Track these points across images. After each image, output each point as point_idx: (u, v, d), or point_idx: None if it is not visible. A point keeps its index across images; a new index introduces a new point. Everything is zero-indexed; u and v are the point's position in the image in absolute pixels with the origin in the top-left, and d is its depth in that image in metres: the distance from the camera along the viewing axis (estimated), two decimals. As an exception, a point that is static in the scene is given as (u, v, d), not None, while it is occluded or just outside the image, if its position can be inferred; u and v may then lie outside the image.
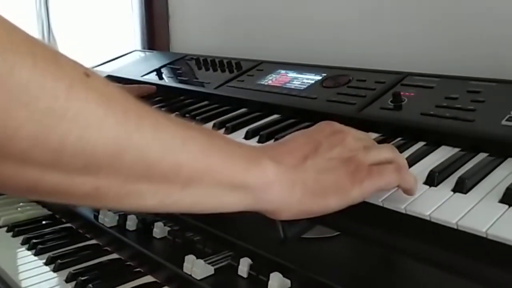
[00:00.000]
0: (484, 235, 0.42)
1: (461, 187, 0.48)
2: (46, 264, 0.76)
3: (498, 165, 0.53)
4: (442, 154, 0.57)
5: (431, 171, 0.51)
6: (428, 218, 0.46)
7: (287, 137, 0.49)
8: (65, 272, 0.72)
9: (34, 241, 0.82)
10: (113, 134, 0.32)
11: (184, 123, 0.38)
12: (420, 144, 0.60)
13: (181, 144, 0.36)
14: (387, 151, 0.48)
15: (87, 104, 0.30)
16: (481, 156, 0.55)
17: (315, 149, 0.45)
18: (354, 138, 0.47)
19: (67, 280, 0.70)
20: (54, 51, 0.31)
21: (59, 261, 0.74)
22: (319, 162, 0.44)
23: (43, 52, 0.30)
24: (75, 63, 0.32)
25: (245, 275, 0.64)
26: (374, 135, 0.65)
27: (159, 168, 0.35)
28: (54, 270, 0.74)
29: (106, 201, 0.35)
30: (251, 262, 0.64)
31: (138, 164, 0.34)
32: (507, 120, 0.57)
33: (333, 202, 0.43)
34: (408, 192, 0.47)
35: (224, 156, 0.39)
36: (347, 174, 0.44)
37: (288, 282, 0.60)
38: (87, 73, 0.31)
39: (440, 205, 0.46)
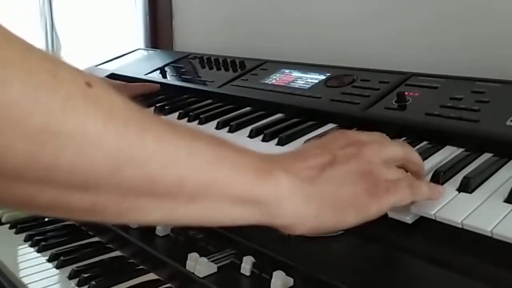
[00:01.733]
0: (489, 234, 0.42)
1: (466, 187, 0.48)
2: (49, 261, 0.75)
3: (503, 165, 0.53)
4: (446, 154, 0.57)
5: (436, 170, 0.51)
6: (433, 218, 0.46)
7: (300, 147, 0.47)
8: (68, 269, 0.72)
9: (37, 238, 0.82)
10: (113, 148, 0.30)
11: (191, 132, 0.36)
12: (425, 144, 0.60)
13: (186, 156, 0.34)
14: (398, 150, 0.47)
15: (85, 118, 0.29)
16: (486, 156, 0.55)
17: (331, 161, 0.43)
18: (370, 149, 0.44)
19: (70, 277, 0.70)
20: (53, 62, 0.29)
21: (62, 258, 0.74)
22: (336, 175, 0.42)
23: (40, 65, 0.28)
24: (75, 73, 0.30)
25: (248, 273, 0.63)
26: (379, 135, 0.65)
27: (162, 182, 0.33)
28: (57, 267, 0.74)
29: (106, 217, 0.34)
30: (254, 261, 0.64)
31: (140, 179, 0.32)
32: (511, 120, 0.57)
33: (351, 218, 0.42)
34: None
35: (233, 168, 0.37)
36: (365, 189, 0.42)
37: (291, 280, 0.60)
38: (89, 83, 0.30)
39: (445, 205, 0.46)
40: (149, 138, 0.32)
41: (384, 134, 0.51)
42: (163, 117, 0.37)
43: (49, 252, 0.77)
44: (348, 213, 0.41)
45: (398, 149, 0.47)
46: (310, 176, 0.41)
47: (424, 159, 0.56)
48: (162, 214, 0.35)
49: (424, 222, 0.46)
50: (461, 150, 0.58)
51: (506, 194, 0.46)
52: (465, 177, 0.49)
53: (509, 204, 0.45)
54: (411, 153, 0.48)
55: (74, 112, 0.28)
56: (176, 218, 0.36)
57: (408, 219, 0.47)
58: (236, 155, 0.38)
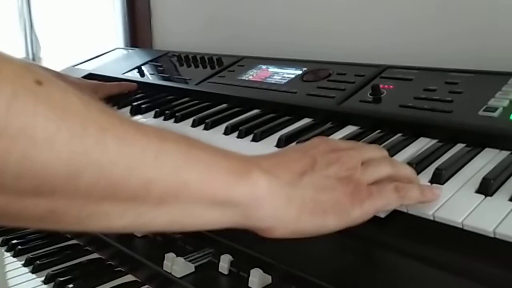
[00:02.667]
0: (460, 226, 0.42)
1: (438, 178, 0.48)
2: (24, 265, 0.74)
3: (475, 155, 0.53)
4: (420, 146, 0.57)
5: (408, 163, 0.51)
6: (405, 210, 0.45)
7: (279, 150, 0.45)
8: (44, 273, 0.71)
9: (13, 242, 0.81)
10: (68, 151, 0.28)
11: (159, 132, 0.34)
12: (398, 136, 0.60)
13: (152, 158, 0.32)
14: (385, 167, 0.45)
15: (33, 118, 0.26)
16: (459, 147, 0.55)
17: (312, 165, 0.41)
18: (350, 156, 0.44)
19: (46, 281, 0.69)
20: None
21: (38, 262, 0.73)
22: (317, 180, 0.41)
23: None
24: (23, 71, 0.28)
25: (226, 272, 0.63)
26: (353, 128, 0.65)
27: (126, 186, 0.31)
28: (33, 271, 0.72)
29: (65, 224, 0.32)
30: (232, 259, 0.63)
31: (100, 183, 0.30)
32: (484, 110, 0.57)
33: (332, 223, 0.40)
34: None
35: (205, 169, 0.35)
36: (346, 194, 0.41)
37: (269, 278, 0.60)
38: (40, 81, 0.28)
39: (417, 197, 0.46)
40: (110, 139, 0.30)
41: (363, 143, 0.50)
42: (130, 117, 0.34)
43: (25, 257, 0.76)
44: (329, 218, 0.40)
45: (378, 152, 0.47)
46: (290, 178, 0.39)
47: (398, 151, 0.56)
48: (129, 220, 0.33)
49: (396, 216, 0.46)
50: (434, 141, 0.57)
51: (477, 185, 0.46)
52: (437, 169, 0.49)
53: (480, 195, 0.45)
54: (398, 169, 0.46)
55: (21, 112, 0.26)
56: (145, 223, 0.34)
57: (382, 214, 0.46)
58: (209, 155, 0.36)
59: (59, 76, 0.91)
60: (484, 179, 0.46)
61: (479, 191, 0.45)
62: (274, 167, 0.40)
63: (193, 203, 0.35)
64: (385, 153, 0.48)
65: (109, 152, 0.30)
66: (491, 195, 0.44)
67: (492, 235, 0.40)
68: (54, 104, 0.28)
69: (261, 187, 0.37)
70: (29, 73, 0.28)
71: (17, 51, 1.73)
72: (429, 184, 0.48)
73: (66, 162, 0.28)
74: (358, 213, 0.41)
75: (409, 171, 0.46)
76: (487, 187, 0.45)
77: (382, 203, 0.42)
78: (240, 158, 0.39)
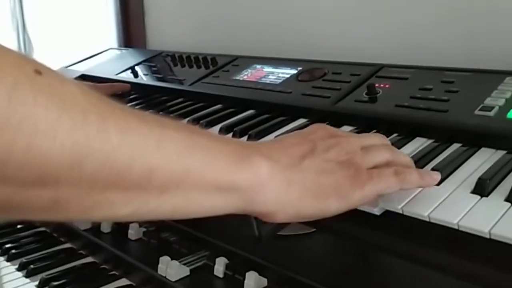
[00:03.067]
0: (456, 227, 0.41)
1: (434, 179, 0.47)
2: (18, 269, 0.74)
3: (471, 155, 0.52)
4: (416, 146, 0.57)
5: (404, 163, 0.50)
6: (400, 212, 0.45)
7: (277, 137, 0.46)
8: (38, 278, 0.70)
9: (7, 246, 0.80)
10: (70, 140, 0.28)
11: (161, 121, 0.34)
12: (395, 136, 0.60)
13: (154, 146, 0.32)
14: (385, 152, 0.45)
15: (34, 108, 0.26)
16: (455, 146, 0.55)
17: (312, 149, 0.42)
18: (349, 141, 0.44)
19: (40, 286, 0.69)
20: None
21: (32, 266, 0.72)
22: (317, 163, 0.41)
23: None
24: (22, 60, 0.28)
25: (221, 275, 0.63)
26: (349, 128, 0.64)
27: (129, 174, 0.31)
28: (27, 276, 0.72)
29: (70, 214, 0.32)
30: (227, 262, 0.63)
31: (103, 172, 0.30)
32: (480, 110, 0.57)
33: (334, 206, 0.41)
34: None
35: (207, 156, 0.35)
36: (347, 177, 0.41)
37: (264, 280, 0.59)
38: (39, 70, 0.28)
39: (413, 198, 0.45)
40: (111, 128, 0.30)
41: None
42: (129, 106, 0.34)
43: (19, 261, 0.75)
44: (331, 201, 0.40)
45: (378, 138, 0.47)
46: (292, 163, 0.40)
47: (394, 151, 0.56)
48: (133, 208, 0.33)
49: (392, 217, 0.45)
50: (430, 141, 0.57)
51: (473, 185, 0.45)
52: (432, 169, 0.48)
53: (476, 195, 0.44)
54: (397, 155, 0.47)
55: (22, 102, 0.26)
56: (149, 211, 0.34)
57: (376, 211, 0.46)
58: (209, 142, 0.37)
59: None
60: (479, 179, 0.45)
61: (474, 191, 0.45)
62: (274, 152, 0.40)
63: (195, 190, 0.35)
64: (385, 140, 0.48)
65: (111, 141, 0.30)
66: (486, 196, 0.44)
67: (487, 236, 0.40)
68: (54, 94, 0.28)
69: (262, 172, 0.37)
70: (28, 63, 0.28)
71: (10, 52, 1.72)
72: (423, 190, 0.47)
73: (69, 151, 0.28)
74: (359, 196, 0.41)
75: (408, 159, 0.47)
76: (482, 188, 0.44)
77: (382, 186, 0.43)
78: (240, 144, 0.39)
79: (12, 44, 1.76)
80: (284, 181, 0.39)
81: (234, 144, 0.39)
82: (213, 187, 0.36)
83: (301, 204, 0.40)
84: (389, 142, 0.49)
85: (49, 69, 0.29)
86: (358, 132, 0.62)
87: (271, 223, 0.47)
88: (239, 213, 0.38)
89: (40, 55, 1.75)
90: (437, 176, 0.46)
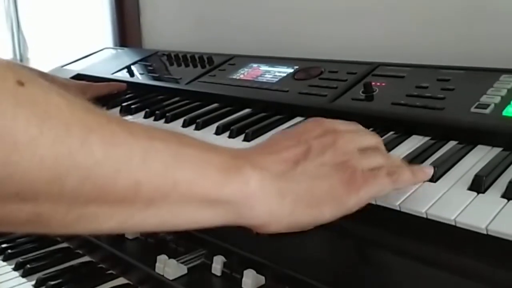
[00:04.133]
0: (453, 223, 0.42)
1: (431, 176, 0.48)
2: (15, 269, 0.73)
3: (468, 152, 0.53)
4: (413, 144, 0.57)
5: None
6: (398, 209, 0.45)
7: (272, 137, 0.44)
8: (35, 277, 0.70)
9: (3, 246, 0.79)
10: (52, 154, 0.27)
11: (147, 131, 0.33)
12: (391, 134, 0.60)
13: (140, 159, 0.31)
14: (380, 157, 0.44)
15: (14, 121, 0.25)
16: (451, 144, 0.55)
17: (305, 153, 0.40)
18: (346, 140, 0.43)
19: (37, 285, 0.68)
20: None
21: (28, 266, 0.72)
22: (311, 168, 0.40)
23: None
24: (6, 70, 0.27)
25: (219, 274, 0.62)
26: (346, 127, 0.64)
27: (113, 189, 0.30)
28: (24, 275, 0.71)
29: (52, 228, 0.31)
30: (225, 260, 0.63)
31: (86, 186, 0.29)
32: (476, 107, 0.57)
33: (328, 212, 0.40)
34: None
35: (195, 168, 0.34)
36: (342, 182, 0.40)
37: (262, 278, 0.59)
38: (21, 81, 0.27)
39: (410, 195, 0.46)
40: (95, 141, 0.29)
41: (359, 124, 0.49)
42: (117, 115, 0.33)
43: (15, 261, 0.75)
44: (325, 208, 0.39)
45: (374, 140, 0.46)
46: (283, 170, 0.39)
47: (391, 149, 0.56)
48: (118, 222, 0.32)
49: (388, 214, 0.45)
50: (427, 138, 0.57)
51: (470, 182, 0.46)
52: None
53: (472, 192, 0.45)
54: (391, 159, 0.46)
55: (0, 115, 0.25)
56: (134, 225, 0.33)
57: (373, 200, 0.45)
58: (198, 153, 0.35)
59: (45, 77, 0.89)
60: (476, 176, 0.45)
61: (471, 188, 0.45)
62: (266, 160, 0.39)
63: (183, 203, 0.34)
64: (379, 139, 0.47)
65: (94, 154, 0.29)
66: (483, 192, 0.44)
67: (484, 232, 0.40)
68: (36, 106, 0.27)
69: (252, 184, 0.36)
70: (10, 73, 0.27)
71: (4, 51, 1.71)
72: (419, 187, 0.47)
73: (49, 166, 0.27)
74: (354, 201, 0.40)
75: (399, 160, 0.47)
76: (479, 184, 0.45)
77: (376, 190, 0.42)
78: (230, 154, 0.38)
79: (6, 44, 1.75)
80: (276, 192, 0.38)
81: (224, 155, 0.37)
82: (201, 200, 0.35)
83: (294, 214, 0.39)
84: (381, 141, 0.48)
85: (32, 80, 0.28)
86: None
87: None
88: (231, 225, 0.37)
89: (35, 55, 1.74)
90: (430, 170, 0.46)
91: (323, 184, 0.39)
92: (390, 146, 0.56)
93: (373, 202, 0.46)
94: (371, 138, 0.46)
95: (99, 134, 0.29)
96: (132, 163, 0.31)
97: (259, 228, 0.39)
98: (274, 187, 0.38)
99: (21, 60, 1.73)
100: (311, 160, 0.40)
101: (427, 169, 0.46)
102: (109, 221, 0.32)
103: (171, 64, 1.03)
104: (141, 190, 0.31)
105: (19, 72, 0.27)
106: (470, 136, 0.54)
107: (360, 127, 0.49)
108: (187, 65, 0.99)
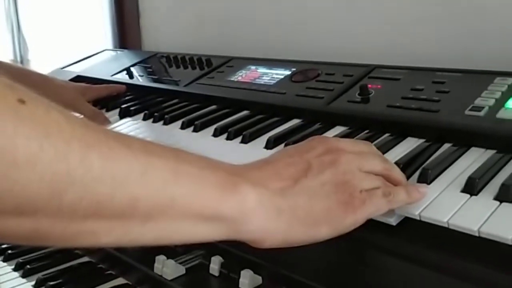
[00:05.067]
0: (446, 225, 0.42)
1: (425, 178, 0.48)
2: (15, 270, 0.74)
3: (461, 155, 0.53)
4: (407, 146, 0.57)
5: (395, 162, 0.51)
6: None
7: (275, 153, 0.44)
8: (35, 278, 0.70)
9: (3, 246, 0.80)
10: (51, 171, 0.27)
11: (146, 147, 0.34)
12: (386, 136, 0.60)
13: (138, 175, 0.32)
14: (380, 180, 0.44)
15: (14, 139, 0.26)
16: (446, 146, 0.55)
17: (305, 171, 0.40)
18: (348, 159, 0.43)
19: (36, 286, 0.69)
20: None
21: (28, 266, 0.73)
22: (309, 187, 0.40)
23: None
24: (6, 88, 0.27)
25: (216, 274, 0.63)
26: (342, 129, 0.65)
27: (111, 204, 0.31)
28: (23, 276, 0.72)
29: (51, 242, 0.32)
30: (222, 260, 0.63)
31: (84, 202, 0.29)
32: (470, 110, 0.58)
33: (324, 232, 0.40)
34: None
35: (192, 185, 0.35)
36: (340, 202, 0.40)
37: (259, 278, 0.60)
38: (22, 99, 0.27)
39: (404, 197, 0.46)
40: (94, 157, 0.29)
41: (371, 143, 0.49)
42: (116, 131, 0.33)
43: (15, 261, 0.75)
44: (321, 227, 0.40)
45: (378, 163, 0.45)
46: (282, 187, 0.39)
47: (386, 151, 0.56)
48: (115, 236, 0.33)
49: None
50: (421, 141, 0.58)
51: (463, 184, 0.46)
52: (423, 168, 0.49)
53: (465, 194, 0.45)
54: (391, 169, 0.46)
55: (1, 132, 0.26)
56: (132, 239, 0.34)
57: (393, 221, 0.46)
58: (196, 169, 0.36)
59: (46, 79, 0.90)
60: (469, 178, 0.46)
61: (464, 190, 0.46)
62: (264, 177, 0.39)
63: (180, 219, 0.35)
64: (385, 165, 0.46)
65: (93, 170, 0.29)
66: (476, 194, 0.45)
67: (477, 234, 0.40)
68: (37, 123, 0.28)
69: (249, 201, 0.37)
70: (11, 91, 0.28)
71: (5, 53, 1.72)
72: (416, 183, 0.48)
73: (49, 182, 0.28)
74: (351, 221, 0.41)
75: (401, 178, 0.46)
76: (472, 187, 0.45)
77: (373, 210, 0.42)
78: (229, 170, 0.38)
79: (7, 46, 1.76)
80: (273, 209, 0.38)
81: (222, 172, 0.37)
82: (198, 216, 0.35)
83: (290, 231, 0.39)
84: (387, 166, 0.46)
85: (33, 97, 0.28)
86: (351, 133, 0.63)
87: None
88: (226, 239, 0.38)
89: (35, 57, 1.75)
90: (424, 189, 0.45)
91: (321, 203, 0.40)
92: (385, 148, 0.57)
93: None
94: (374, 162, 0.45)
95: (98, 150, 0.30)
96: (130, 179, 0.31)
97: (254, 243, 0.39)
98: (271, 203, 0.38)
99: (21, 62, 1.73)
100: (310, 179, 0.40)
101: (422, 188, 0.46)
102: (107, 236, 0.32)
103: (170, 66, 1.04)
104: (139, 205, 0.32)
105: (20, 90, 0.28)
106: (464, 139, 0.55)
107: (370, 146, 0.48)
108: (186, 67, 1.00)
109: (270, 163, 0.41)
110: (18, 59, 1.75)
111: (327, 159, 0.42)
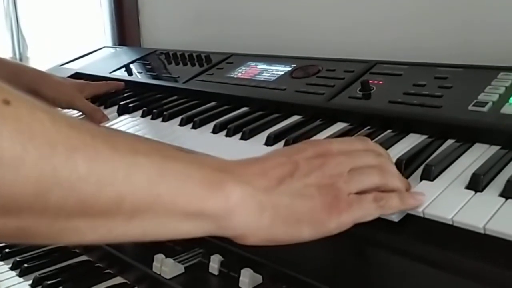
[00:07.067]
0: (450, 222, 0.41)
1: (428, 174, 0.48)
2: (12, 269, 0.73)
3: (465, 151, 0.52)
4: (410, 142, 0.57)
5: (398, 159, 0.50)
6: (395, 208, 0.45)
7: (264, 154, 0.44)
8: (32, 277, 0.70)
9: (0, 245, 0.79)
10: (36, 172, 0.28)
11: (132, 145, 0.34)
12: (388, 132, 0.59)
13: (124, 175, 0.32)
14: (374, 177, 0.43)
15: None
16: (449, 142, 0.55)
17: (292, 172, 0.40)
18: (337, 162, 0.42)
19: (34, 285, 0.68)
20: None
21: (25, 265, 0.72)
22: (294, 188, 0.40)
23: None
24: None
25: (216, 272, 0.62)
26: (343, 125, 0.64)
27: (96, 203, 0.31)
28: (20, 275, 0.71)
29: (37, 240, 0.32)
30: (222, 259, 0.63)
31: (69, 201, 0.30)
32: (473, 105, 0.57)
33: (307, 233, 0.40)
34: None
35: (178, 182, 0.35)
36: (324, 205, 0.40)
37: (259, 277, 0.59)
38: (7, 100, 0.27)
39: (407, 194, 0.45)
40: (79, 158, 0.30)
41: (368, 139, 0.48)
42: (101, 129, 0.34)
43: (12, 260, 0.75)
44: (303, 227, 0.40)
45: (371, 160, 0.44)
46: (266, 186, 0.39)
47: (388, 147, 0.55)
48: (101, 233, 0.33)
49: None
50: (424, 137, 0.57)
51: (467, 181, 0.45)
52: (426, 165, 0.48)
53: (470, 191, 0.44)
54: (384, 165, 0.45)
55: None
56: (118, 236, 0.34)
57: (395, 218, 0.45)
58: (181, 167, 0.36)
59: (44, 76, 0.89)
60: (474, 174, 0.45)
61: (469, 187, 0.45)
62: (250, 175, 0.39)
63: (165, 216, 0.35)
64: (382, 159, 0.45)
65: (78, 170, 0.30)
66: (481, 191, 0.44)
67: (482, 231, 0.40)
68: (21, 124, 0.28)
69: (233, 198, 0.37)
70: None
71: (4, 51, 1.71)
72: (417, 186, 0.47)
73: (33, 182, 0.28)
74: (335, 225, 0.40)
75: (398, 184, 0.44)
76: (477, 183, 0.44)
77: (360, 214, 0.41)
78: (215, 167, 0.38)
79: (6, 43, 1.75)
80: (256, 206, 0.38)
81: (208, 168, 0.37)
82: (183, 213, 0.35)
83: (272, 229, 0.39)
84: (384, 161, 0.45)
85: (19, 97, 0.28)
86: (352, 129, 0.62)
87: None
88: (211, 235, 0.38)
89: (35, 54, 1.74)
90: (421, 197, 0.44)
91: (304, 204, 0.40)
92: (387, 144, 0.56)
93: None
94: (368, 158, 0.44)
95: (83, 150, 0.30)
96: (116, 178, 0.32)
97: (237, 239, 0.39)
98: (255, 200, 0.38)
99: (20, 59, 1.73)
100: (296, 180, 0.40)
101: (419, 195, 0.44)
102: (92, 233, 0.33)
103: (169, 63, 1.03)
104: (124, 203, 0.32)
105: (6, 91, 0.28)
106: (468, 134, 0.54)
107: (364, 144, 0.46)
108: (185, 64, 0.99)
109: (259, 162, 0.41)
110: (17, 56, 1.74)
111: (316, 161, 0.42)
